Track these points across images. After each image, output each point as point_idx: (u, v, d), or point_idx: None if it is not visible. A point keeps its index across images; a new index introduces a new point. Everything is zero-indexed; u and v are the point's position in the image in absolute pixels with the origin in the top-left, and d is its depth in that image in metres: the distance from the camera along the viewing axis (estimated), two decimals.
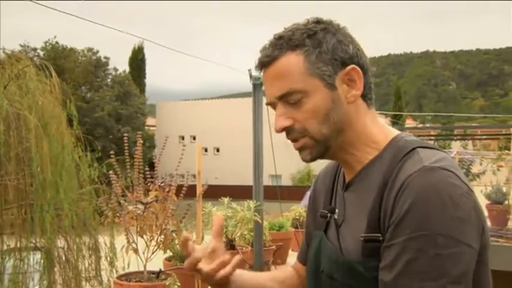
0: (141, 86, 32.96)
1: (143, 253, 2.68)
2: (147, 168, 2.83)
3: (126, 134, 3.29)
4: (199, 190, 2.82)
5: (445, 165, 0.88)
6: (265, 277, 1.20)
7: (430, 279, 0.81)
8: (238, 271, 1.04)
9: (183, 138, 29.16)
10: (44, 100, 3.58)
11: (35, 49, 27.50)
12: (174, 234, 2.79)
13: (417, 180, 0.86)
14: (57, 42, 28.59)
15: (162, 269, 2.86)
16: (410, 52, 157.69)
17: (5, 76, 3.59)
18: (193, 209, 2.93)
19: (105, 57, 30.31)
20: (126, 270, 3.25)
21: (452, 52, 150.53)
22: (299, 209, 5.49)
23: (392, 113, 33.27)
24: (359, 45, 1.00)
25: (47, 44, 28.27)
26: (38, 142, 3.27)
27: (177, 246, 3.07)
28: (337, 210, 1.06)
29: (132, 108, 29.04)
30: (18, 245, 3.40)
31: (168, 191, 2.75)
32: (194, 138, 28.91)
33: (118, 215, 2.72)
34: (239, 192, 6.25)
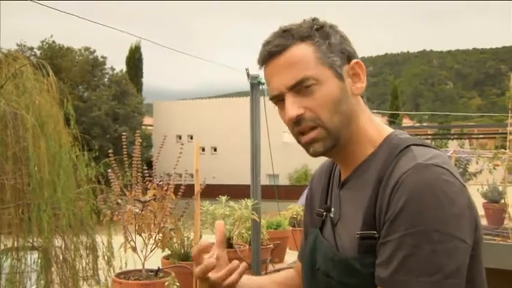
0: (138, 85, 32.94)
1: (141, 251, 2.69)
2: (145, 167, 2.84)
3: (124, 133, 3.30)
4: (197, 188, 2.83)
5: (439, 162, 0.89)
6: (264, 278, 1.22)
7: (426, 274, 0.82)
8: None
9: (180, 137, 29.13)
10: (41, 99, 3.57)
11: (31, 48, 27.45)
12: (172, 233, 2.79)
13: (412, 178, 0.87)
14: (53, 42, 28.56)
15: (161, 267, 2.87)
16: (407, 51, 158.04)
17: (2, 75, 3.59)
18: (191, 208, 2.94)
19: (102, 57, 30.29)
20: (124, 269, 3.25)
21: (449, 51, 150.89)
22: (296, 207, 5.50)
23: (389, 112, 33.32)
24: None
25: (44, 43, 28.21)
26: (35, 141, 3.26)
27: (175, 244, 3.07)
28: (332, 209, 1.06)
29: (129, 107, 29.01)
30: (16, 244, 3.40)
31: (167, 190, 2.75)
32: (191, 138, 28.90)
33: (117, 213, 2.72)
34: (237, 192, 6.25)
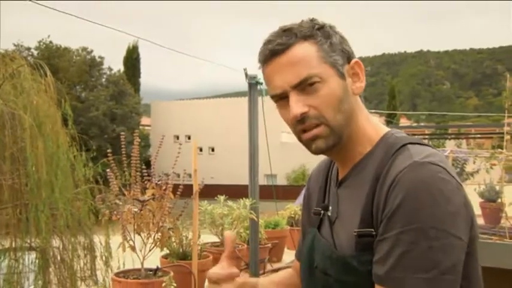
0: (136, 85, 32.90)
1: (140, 251, 2.69)
2: (144, 167, 2.84)
3: (122, 133, 3.29)
4: (196, 188, 2.83)
5: (435, 160, 0.90)
6: (264, 279, 1.22)
7: (422, 271, 0.83)
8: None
9: (178, 137, 29.13)
10: (39, 99, 3.57)
11: (28, 48, 27.39)
12: (170, 232, 2.80)
13: (408, 175, 0.88)
14: (51, 42, 28.49)
15: (159, 266, 2.87)
16: (405, 51, 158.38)
17: (0, 75, 3.58)
18: (189, 207, 2.94)
19: (99, 57, 30.25)
20: (122, 268, 3.25)
21: (446, 51, 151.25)
22: (294, 207, 5.51)
23: (387, 111, 33.38)
24: None
25: (41, 43, 28.15)
26: (32, 142, 3.26)
27: (174, 243, 3.07)
28: (330, 207, 1.07)
29: (126, 107, 28.97)
30: (13, 245, 3.39)
31: (165, 189, 2.76)
32: (189, 138, 28.88)
33: (115, 212, 2.72)
34: (235, 192, 6.24)
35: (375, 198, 0.92)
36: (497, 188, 3.90)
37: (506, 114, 3.65)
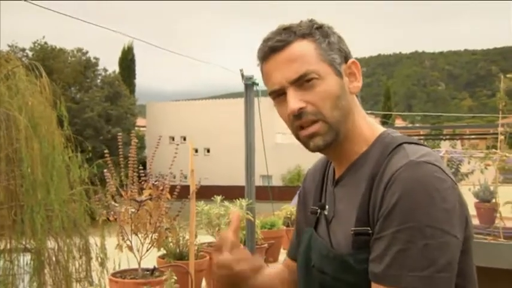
0: (131, 86, 32.85)
1: (137, 251, 2.69)
2: (141, 167, 2.84)
3: (119, 134, 3.30)
4: (193, 188, 2.84)
5: (431, 159, 0.91)
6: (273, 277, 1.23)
7: (418, 268, 0.84)
8: None
9: (173, 138, 29.07)
10: (34, 101, 3.56)
11: (23, 49, 27.30)
12: (167, 232, 2.80)
13: (404, 174, 0.89)
14: (45, 43, 28.41)
15: (156, 267, 2.87)
16: (400, 52, 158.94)
17: None
18: (185, 209, 2.94)
19: (94, 58, 30.19)
20: (117, 269, 3.24)
21: (441, 53, 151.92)
22: (290, 207, 5.52)
23: (382, 112, 33.49)
24: None
25: (36, 44, 28.05)
26: (28, 143, 3.25)
27: (171, 244, 3.08)
28: (327, 206, 1.08)
29: (122, 108, 28.92)
30: (8, 246, 3.38)
31: (162, 190, 2.76)
32: (184, 139, 28.84)
33: (113, 213, 2.73)
34: (230, 193, 6.26)
35: (372, 197, 0.93)
36: (492, 188, 3.92)
37: (500, 115, 3.67)
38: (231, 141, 25.21)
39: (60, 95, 3.99)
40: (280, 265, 1.29)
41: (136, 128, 30.78)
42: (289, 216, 5.33)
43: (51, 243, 3.61)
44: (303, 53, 0.96)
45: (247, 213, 3.54)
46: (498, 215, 3.51)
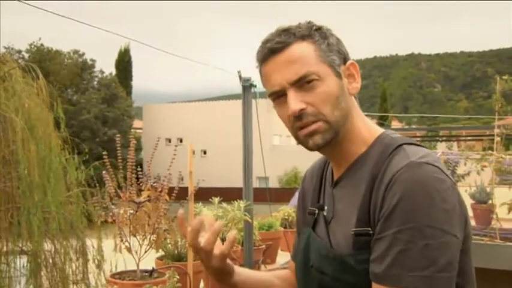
0: (128, 88, 32.81)
1: (136, 252, 2.69)
2: (139, 169, 2.85)
3: (118, 136, 3.30)
4: (191, 189, 2.84)
5: (431, 160, 0.92)
6: (264, 273, 1.25)
7: (419, 268, 0.85)
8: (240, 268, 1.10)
9: (169, 140, 29.03)
10: (31, 102, 3.54)
11: (19, 51, 27.21)
12: (166, 234, 2.80)
13: (405, 175, 0.89)
14: (42, 45, 28.33)
15: (155, 268, 2.87)
16: (396, 54, 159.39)
17: None
18: (184, 210, 2.94)
19: (91, 60, 30.15)
20: (114, 271, 3.24)
21: (437, 54, 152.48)
22: (288, 209, 5.53)
23: (379, 114, 33.57)
24: None
25: (32, 46, 27.98)
26: (24, 144, 3.24)
27: (169, 245, 3.08)
28: (326, 207, 1.08)
29: (118, 110, 28.87)
30: (5, 248, 3.36)
31: (161, 191, 2.76)
32: (181, 141, 28.81)
33: (111, 214, 2.73)
34: (228, 195, 6.25)
35: (372, 198, 0.93)
36: (488, 189, 3.93)
37: (496, 117, 3.69)
38: (228, 143, 25.20)
39: (56, 97, 3.98)
40: (285, 270, 1.28)
41: (132, 130, 30.73)
42: (286, 217, 5.33)
43: (47, 246, 3.60)
44: (303, 54, 0.97)
45: (245, 215, 3.55)
46: (494, 216, 3.52)
